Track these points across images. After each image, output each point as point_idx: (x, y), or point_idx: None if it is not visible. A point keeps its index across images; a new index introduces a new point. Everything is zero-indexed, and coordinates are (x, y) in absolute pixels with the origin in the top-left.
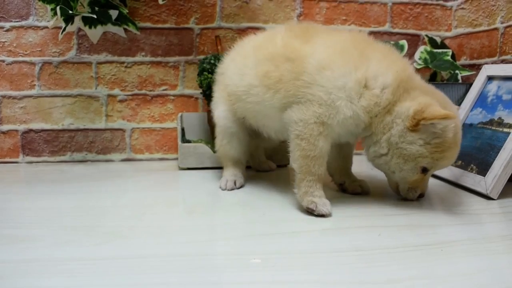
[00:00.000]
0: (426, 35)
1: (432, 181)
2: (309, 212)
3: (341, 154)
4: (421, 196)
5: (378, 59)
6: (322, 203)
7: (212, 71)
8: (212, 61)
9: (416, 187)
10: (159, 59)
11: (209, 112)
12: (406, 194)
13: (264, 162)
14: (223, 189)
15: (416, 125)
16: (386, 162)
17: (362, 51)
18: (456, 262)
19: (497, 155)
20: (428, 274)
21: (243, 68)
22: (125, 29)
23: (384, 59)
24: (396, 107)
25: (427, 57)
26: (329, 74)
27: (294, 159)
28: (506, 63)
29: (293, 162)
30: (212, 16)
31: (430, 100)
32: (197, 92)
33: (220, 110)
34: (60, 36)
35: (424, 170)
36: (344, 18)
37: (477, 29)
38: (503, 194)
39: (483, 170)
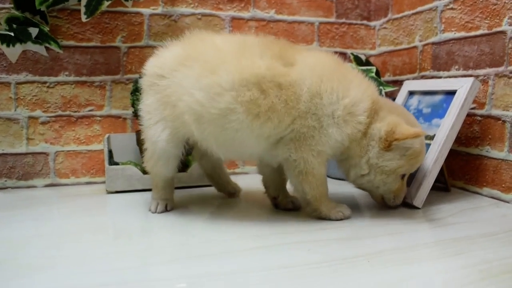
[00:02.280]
0: (352, 53)
1: (361, 193)
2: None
3: (279, 169)
4: (405, 198)
5: (356, 85)
6: (344, 209)
7: None
8: None
9: (399, 193)
10: (84, 78)
11: (138, 133)
12: (393, 203)
13: (228, 183)
14: (153, 212)
15: (389, 146)
16: (369, 180)
17: (345, 76)
18: (383, 273)
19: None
20: (356, 286)
21: (213, 85)
22: (47, 48)
23: (361, 84)
24: (369, 129)
25: None
26: (318, 101)
27: (305, 192)
28: (425, 78)
29: (303, 194)
30: (139, 34)
31: (397, 119)
32: (126, 112)
33: (160, 130)
34: None
35: (403, 176)
36: (273, 37)
37: (399, 47)
38: (427, 203)
39: (408, 180)
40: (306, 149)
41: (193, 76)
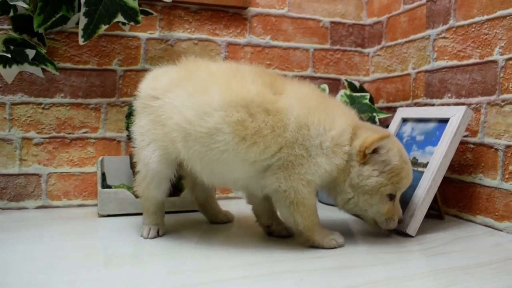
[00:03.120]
0: (346, 80)
1: (354, 220)
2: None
3: (269, 197)
4: (400, 221)
5: (340, 115)
6: (337, 236)
7: None
8: None
9: (392, 215)
10: (79, 100)
11: (132, 156)
12: (387, 226)
13: (220, 213)
14: (145, 238)
15: (364, 156)
16: (355, 204)
17: (330, 108)
18: None
19: (413, 193)
20: None
21: (203, 104)
22: (43, 69)
23: (343, 114)
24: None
25: (347, 100)
26: (306, 133)
27: (296, 222)
28: (419, 105)
29: (294, 224)
30: (136, 58)
31: (372, 133)
32: (120, 135)
33: (151, 152)
34: None
35: (391, 197)
36: (268, 62)
37: (392, 74)
38: (421, 231)
39: (401, 208)
40: (296, 178)
41: (185, 95)
